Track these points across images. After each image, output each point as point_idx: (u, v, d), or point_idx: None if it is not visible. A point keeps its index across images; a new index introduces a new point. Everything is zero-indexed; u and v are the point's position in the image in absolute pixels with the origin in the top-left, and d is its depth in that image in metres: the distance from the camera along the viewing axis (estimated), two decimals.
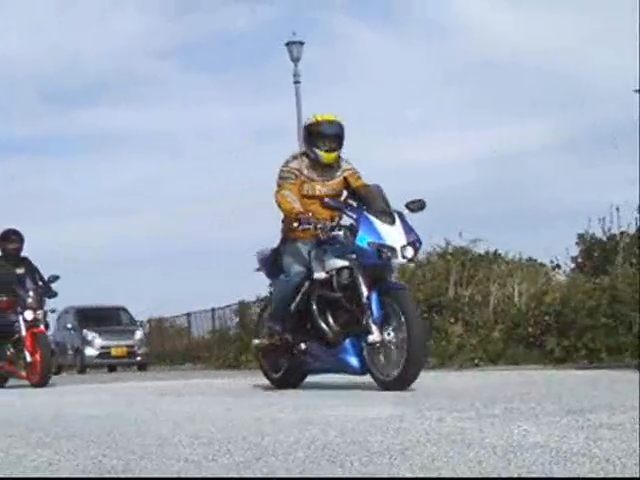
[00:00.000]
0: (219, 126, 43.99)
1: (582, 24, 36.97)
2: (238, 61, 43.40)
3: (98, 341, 22.54)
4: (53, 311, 11.47)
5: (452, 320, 10.39)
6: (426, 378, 7.68)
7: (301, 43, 21.39)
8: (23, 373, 10.57)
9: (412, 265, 12.38)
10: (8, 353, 10.89)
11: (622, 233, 10.65)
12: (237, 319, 20.37)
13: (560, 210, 26.01)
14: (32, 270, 11.00)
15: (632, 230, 10.48)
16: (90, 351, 22.43)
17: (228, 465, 2.74)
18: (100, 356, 22.48)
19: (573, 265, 11.47)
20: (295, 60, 21.29)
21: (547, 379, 6.74)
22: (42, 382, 10.17)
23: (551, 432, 3.09)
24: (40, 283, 10.91)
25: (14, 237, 11.07)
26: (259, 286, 17.67)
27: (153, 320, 27.67)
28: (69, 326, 23.39)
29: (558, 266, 11.45)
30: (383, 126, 39.30)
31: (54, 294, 11.05)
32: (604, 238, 11.06)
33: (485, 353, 9.65)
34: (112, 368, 22.89)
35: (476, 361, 9.55)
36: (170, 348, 26.15)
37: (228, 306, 21.72)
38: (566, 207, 26.28)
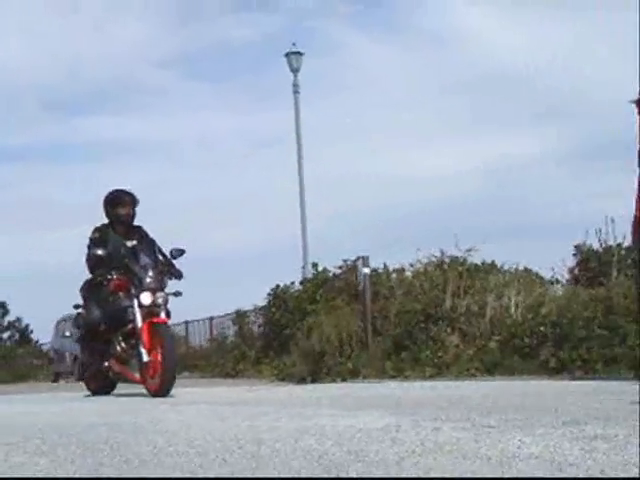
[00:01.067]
0: (219, 135, 44.07)
1: (580, 36, 37.08)
2: (239, 71, 43.52)
3: None
4: (177, 294, 8.43)
5: (449, 330, 10.40)
6: (422, 388, 7.71)
7: (300, 54, 21.47)
8: (137, 376, 8.19)
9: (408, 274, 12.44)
10: (118, 349, 8.41)
11: (618, 245, 10.68)
12: (235, 328, 20.37)
13: (556, 221, 26.07)
14: (148, 242, 8.54)
15: (627, 242, 10.50)
16: None
17: (224, 474, 2.75)
18: None
19: (569, 276, 11.49)
20: (294, 70, 21.37)
21: (542, 390, 6.75)
22: (163, 389, 7.69)
23: (546, 443, 3.10)
24: (160, 258, 8.41)
25: (126, 199, 8.67)
26: (257, 295, 17.74)
27: None
28: (67, 334, 23.38)
29: (557, 281, 11.47)
30: (381, 136, 39.36)
31: (179, 274, 8.43)
32: (600, 250, 11.10)
33: (481, 363, 9.66)
34: None
35: (472, 371, 9.56)
36: None
37: (226, 315, 21.74)
38: (562, 218, 26.33)
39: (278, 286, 16.23)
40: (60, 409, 7.07)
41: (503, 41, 38.10)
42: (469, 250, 11.69)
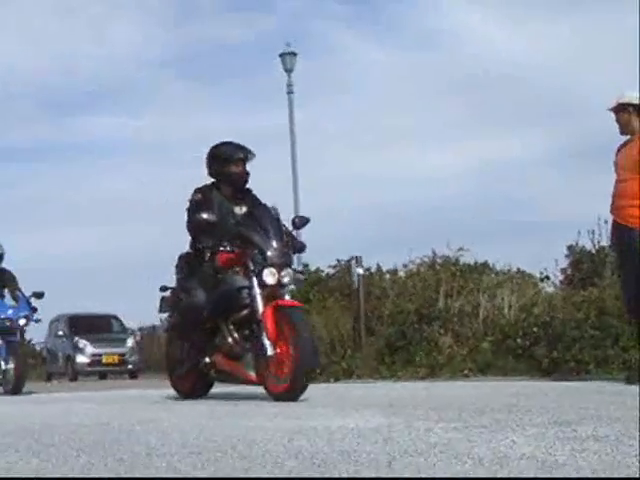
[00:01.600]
0: (213, 134, 44.03)
1: (575, 38, 37.15)
2: (233, 71, 43.50)
3: (89, 349, 22.50)
4: (302, 272, 6.65)
5: (442, 331, 10.42)
6: (415, 388, 7.72)
7: (294, 54, 21.49)
8: (252, 374, 6.44)
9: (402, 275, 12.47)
10: (229, 340, 6.62)
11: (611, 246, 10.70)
12: None
13: (549, 221, 26.12)
14: (261, 209, 6.76)
15: None
16: (81, 358, 22.41)
17: (216, 474, 2.75)
18: (91, 364, 22.44)
19: (562, 277, 11.53)
20: (288, 71, 21.39)
21: (535, 390, 6.76)
22: (293, 391, 6.05)
23: (538, 443, 3.11)
24: (283, 229, 6.65)
25: (240, 154, 6.95)
26: None
27: (145, 328, 27.63)
28: (60, 333, 23.37)
29: (547, 277, 11.51)
30: (375, 136, 39.40)
31: (302, 247, 7.05)
32: (593, 250, 11.13)
33: (474, 364, 9.68)
34: (103, 376, 22.84)
35: (465, 372, 9.58)
36: (162, 357, 26.06)
37: None
38: (555, 219, 26.40)
39: None
40: (53, 409, 7.06)
41: (499, 42, 38.16)
42: (460, 249, 11.73)
